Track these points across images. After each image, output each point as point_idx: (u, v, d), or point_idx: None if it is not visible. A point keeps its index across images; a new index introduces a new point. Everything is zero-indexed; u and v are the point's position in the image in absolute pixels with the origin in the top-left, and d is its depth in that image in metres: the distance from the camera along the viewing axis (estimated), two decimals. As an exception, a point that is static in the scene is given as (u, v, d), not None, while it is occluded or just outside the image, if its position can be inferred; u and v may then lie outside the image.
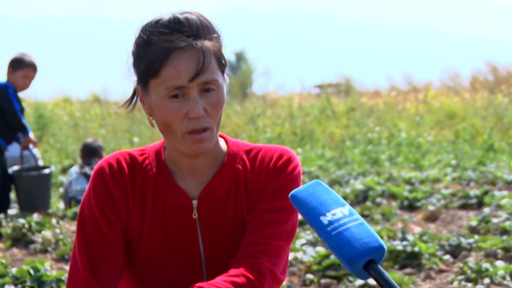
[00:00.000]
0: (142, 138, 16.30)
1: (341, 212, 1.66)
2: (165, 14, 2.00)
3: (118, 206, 2.08)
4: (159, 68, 1.96)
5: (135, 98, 2.12)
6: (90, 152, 8.64)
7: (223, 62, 2.03)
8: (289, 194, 1.75)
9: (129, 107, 2.12)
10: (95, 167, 2.11)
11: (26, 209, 7.61)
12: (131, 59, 2.04)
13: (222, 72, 2.03)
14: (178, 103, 1.97)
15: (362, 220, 1.65)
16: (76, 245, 2.09)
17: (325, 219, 1.65)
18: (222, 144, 2.13)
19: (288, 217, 2.08)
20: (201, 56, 1.96)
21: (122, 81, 2.10)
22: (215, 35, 2.02)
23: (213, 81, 1.98)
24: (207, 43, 1.99)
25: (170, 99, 1.97)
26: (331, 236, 1.63)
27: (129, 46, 2.06)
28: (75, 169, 8.47)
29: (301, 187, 1.75)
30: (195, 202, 2.08)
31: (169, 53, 1.95)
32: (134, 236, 2.09)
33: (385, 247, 1.60)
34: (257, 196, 2.09)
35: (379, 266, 1.59)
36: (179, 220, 2.08)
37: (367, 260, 1.59)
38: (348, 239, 1.60)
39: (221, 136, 2.15)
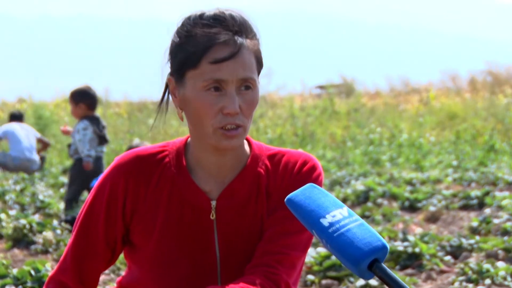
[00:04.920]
0: (142, 138, 16.29)
1: (340, 214, 1.65)
2: (209, 9, 2.01)
3: (126, 205, 2.08)
4: (199, 59, 1.95)
5: (167, 93, 2.10)
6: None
7: (261, 64, 2.04)
8: (285, 198, 1.73)
9: (162, 104, 2.11)
10: (113, 162, 2.11)
11: None
12: (167, 51, 2.04)
13: (258, 73, 2.04)
14: (215, 97, 1.96)
15: (362, 220, 1.64)
16: (71, 238, 2.12)
17: (325, 221, 1.64)
18: (246, 146, 2.12)
19: None
20: (241, 51, 1.96)
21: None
22: (256, 36, 2.04)
23: (252, 79, 1.99)
24: (249, 41, 2.00)
25: (207, 92, 1.96)
26: (333, 238, 1.61)
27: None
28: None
29: (297, 190, 1.72)
30: (214, 203, 2.07)
31: (211, 46, 1.95)
32: (142, 235, 2.08)
33: (388, 246, 1.60)
34: (278, 201, 2.07)
35: (383, 264, 1.59)
36: (196, 220, 2.06)
37: (371, 260, 1.58)
38: (351, 239, 1.59)
39: (245, 138, 2.13)
